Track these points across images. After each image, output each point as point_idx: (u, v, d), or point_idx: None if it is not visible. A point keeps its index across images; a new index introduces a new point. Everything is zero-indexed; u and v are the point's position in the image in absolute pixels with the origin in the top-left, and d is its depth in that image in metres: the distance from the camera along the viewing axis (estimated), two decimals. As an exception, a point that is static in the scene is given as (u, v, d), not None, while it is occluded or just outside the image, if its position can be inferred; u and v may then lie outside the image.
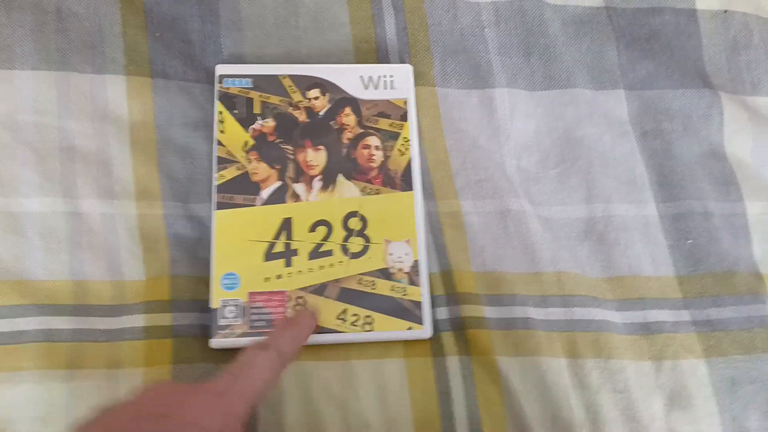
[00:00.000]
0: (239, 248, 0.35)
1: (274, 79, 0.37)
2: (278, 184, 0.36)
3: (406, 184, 0.37)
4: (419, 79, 0.40)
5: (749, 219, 0.40)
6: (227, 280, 0.34)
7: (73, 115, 0.35)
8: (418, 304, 0.35)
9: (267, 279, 0.34)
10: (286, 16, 0.40)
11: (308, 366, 0.34)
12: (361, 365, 0.34)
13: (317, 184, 0.36)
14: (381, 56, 0.40)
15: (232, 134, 0.36)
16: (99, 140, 0.35)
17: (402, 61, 0.40)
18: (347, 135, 0.37)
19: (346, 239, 0.35)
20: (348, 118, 0.37)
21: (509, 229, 0.37)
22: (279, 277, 0.34)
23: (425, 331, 0.34)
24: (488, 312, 0.35)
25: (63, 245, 0.34)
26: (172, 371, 0.33)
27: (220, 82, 0.36)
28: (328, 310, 0.34)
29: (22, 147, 0.34)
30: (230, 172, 0.35)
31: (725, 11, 0.44)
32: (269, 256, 0.35)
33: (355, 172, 0.36)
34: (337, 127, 0.37)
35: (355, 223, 0.36)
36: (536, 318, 0.36)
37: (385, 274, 0.35)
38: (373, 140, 0.37)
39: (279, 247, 0.35)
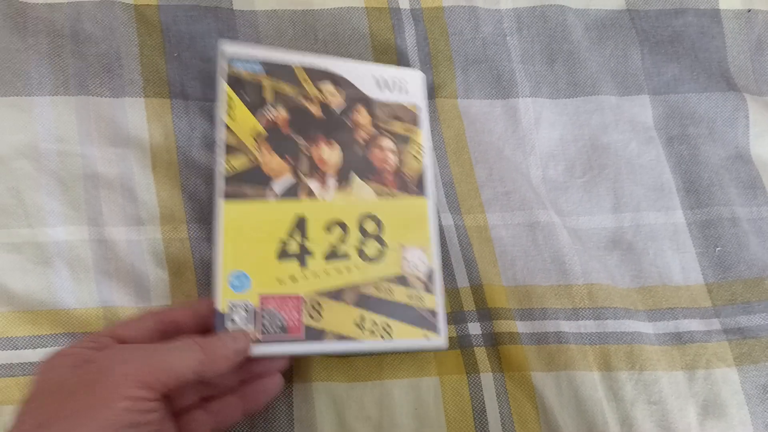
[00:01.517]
0: (250, 245, 0.31)
1: (287, 68, 0.35)
2: (291, 178, 0.33)
3: (420, 191, 0.35)
4: (441, 90, 0.39)
5: (776, 223, 0.40)
6: (236, 280, 0.31)
7: (94, 141, 0.35)
8: (433, 313, 0.34)
9: (280, 280, 0.32)
10: (304, 30, 0.39)
11: (341, 387, 0.34)
12: (395, 385, 0.34)
13: (332, 182, 0.34)
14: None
15: (242, 121, 0.33)
16: (121, 165, 0.35)
17: (424, 73, 0.39)
18: (362, 134, 0.35)
19: (362, 242, 0.34)
20: (362, 117, 0.36)
21: (539, 242, 0.37)
22: (293, 279, 0.32)
23: (441, 339, 0.34)
24: (520, 327, 0.35)
25: (91, 274, 0.33)
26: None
27: (229, 63, 0.33)
28: (347, 316, 0.32)
29: (46, 176, 0.34)
30: (240, 163, 0.32)
31: (749, 10, 0.43)
32: (282, 255, 0.32)
33: (370, 173, 0.35)
34: (351, 125, 0.35)
35: (371, 226, 0.34)
36: (568, 331, 0.35)
37: (401, 280, 0.34)
38: (388, 143, 0.36)
39: (293, 247, 0.32)
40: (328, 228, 0.33)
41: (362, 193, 0.34)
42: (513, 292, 0.36)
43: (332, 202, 0.34)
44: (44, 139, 0.34)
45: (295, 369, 0.34)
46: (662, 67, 0.42)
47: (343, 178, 0.34)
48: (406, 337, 0.33)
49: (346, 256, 0.33)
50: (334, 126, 0.35)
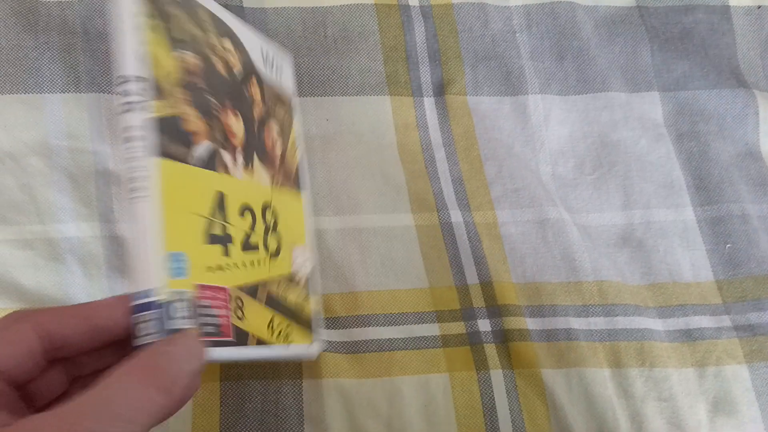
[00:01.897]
0: (184, 220, 0.24)
1: (195, 4, 0.27)
2: (210, 144, 0.26)
3: (297, 185, 0.33)
4: (450, 87, 0.39)
5: (787, 220, 0.40)
6: (175, 263, 0.23)
7: (105, 138, 0.35)
8: (314, 318, 0.32)
9: (210, 268, 0.25)
10: (314, 27, 0.39)
11: (351, 384, 0.34)
12: (404, 382, 0.34)
13: (240, 159, 0.28)
14: (411, 64, 0.39)
15: (162, 57, 0.24)
16: None
17: (433, 70, 0.39)
18: (257, 111, 0.30)
19: (266, 234, 0.29)
20: (255, 91, 0.30)
21: (548, 239, 0.37)
22: (219, 268, 0.25)
23: (316, 347, 0.31)
24: (530, 324, 0.35)
25: (102, 270, 0.34)
26: (220, 390, 0.33)
27: None
28: (262, 317, 0.27)
29: (57, 173, 0.34)
30: (162, 108, 0.24)
31: (759, 7, 0.43)
32: (210, 238, 0.25)
33: (264, 157, 0.30)
34: (248, 97, 0.30)
35: (269, 218, 0.29)
36: (578, 328, 0.35)
37: (292, 280, 0.30)
38: (275, 127, 0.31)
39: (217, 229, 0.26)
40: (242, 213, 0.28)
41: (261, 179, 0.29)
42: (523, 288, 0.36)
43: (244, 183, 0.28)
44: (56, 136, 0.34)
45: (304, 366, 0.34)
46: (672, 63, 0.41)
47: (248, 157, 0.29)
48: (299, 342, 0.30)
49: (255, 247, 0.28)
50: (237, 93, 0.29)
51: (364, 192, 0.37)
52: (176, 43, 0.25)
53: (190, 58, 0.26)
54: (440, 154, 0.38)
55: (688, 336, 0.36)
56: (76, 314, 0.22)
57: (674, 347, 0.36)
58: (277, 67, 0.33)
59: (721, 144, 0.40)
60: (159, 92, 0.24)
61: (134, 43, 0.23)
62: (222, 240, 0.26)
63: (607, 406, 0.34)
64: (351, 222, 0.36)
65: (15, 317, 0.21)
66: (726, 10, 0.42)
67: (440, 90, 0.39)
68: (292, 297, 0.31)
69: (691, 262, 0.38)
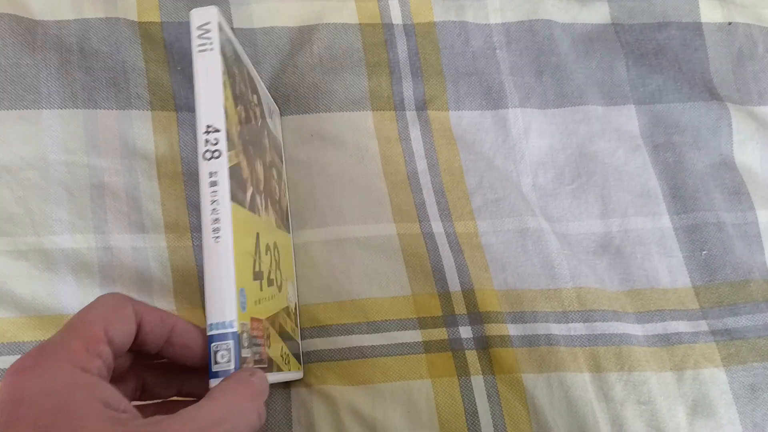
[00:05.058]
0: (242, 258, 0.27)
1: (240, 60, 0.30)
2: (252, 188, 0.29)
3: (287, 226, 0.37)
4: (432, 103, 0.41)
5: (761, 227, 0.41)
6: (242, 298, 0.26)
7: (101, 153, 0.36)
8: (298, 345, 0.35)
9: (255, 302, 0.27)
10: (301, 45, 0.40)
11: (336, 390, 0.34)
12: (387, 389, 0.35)
13: (262, 201, 0.31)
14: (395, 80, 0.41)
15: (230, 110, 0.27)
16: (127, 176, 0.36)
17: (416, 86, 0.41)
18: (267, 157, 0.33)
19: (275, 269, 0.32)
20: (267, 140, 0.34)
21: (528, 247, 0.38)
22: (258, 302, 0.28)
23: (301, 371, 0.35)
24: (512, 330, 0.36)
25: (96, 279, 0.35)
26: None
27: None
28: (277, 346, 0.30)
29: (53, 186, 0.35)
30: (233, 158, 0.27)
31: (729, 23, 0.44)
32: (255, 275, 0.28)
33: (272, 200, 0.33)
34: (264, 144, 0.33)
35: (276, 255, 0.32)
36: (558, 334, 0.36)
37: (287, 311, 0.33)
38: (275, 173, 0.35)
39: (257, 266, 0.29)
40: (266, 251, 0.31)
41: (271, 219, 0.32)
42: (504, 296, 0.37)
43: (267, 222, 0.31)
44: (52, 151, 0.36)
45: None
46: (647, 78, 0.43)
47: (264, 200, 0.32)
48: (294, 369, 0.33)
49: (272, 282, 0.31)
50: (259, 142, 0.32)
51: (347, 204, 0.38)
52: (236, 98, 0.28)
53: (242, 111, 0.29)
54: (422, 166, 0.39)
55: (666, 340, 0.37)
56: (161, 317, 0.25)
57: (653, 351, 0.37)
58: (274, 117, 0.36)
59: (695, 154, 0.42)
60: (230, 143, 0.27)
61: (221, 98, 0.26)
62: (260, 276, 0.29)
63: (588, 409, 0.35)
64: (335, 233, 0.37)
65: (122, 298, 0.23)
66: (698, 26, 0.44)
67: (423, 105, 0.41)
68: (288, 328, 0.33)
69: (669, 269, 0.39)
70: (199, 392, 0.26)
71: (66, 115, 0.36)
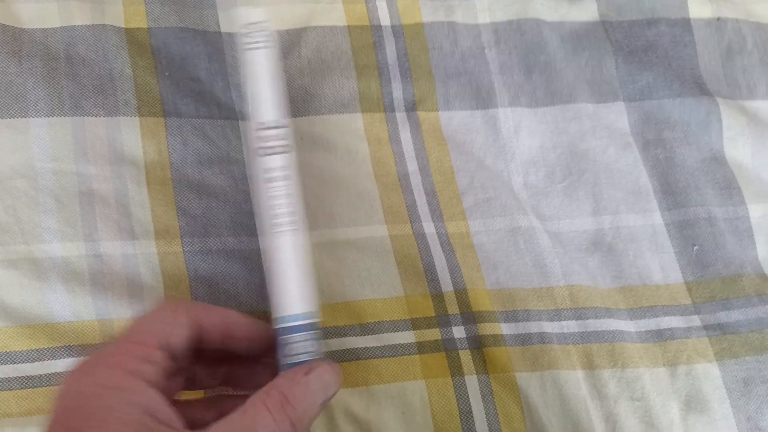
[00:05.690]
0: None
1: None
2: None
3: None
4: (422, 104, 0.41)
5: (752, 222, 0.41)
6: None
7: (89, 160, 0.36)
8: None
9: None
10: (289, 48, 0.40)
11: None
12: (380, 390, 0.35)
13: None
14: (384, 82, 0.41)
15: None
16: (116, 182, 0.36)
17: (405, 87, 0.41)
18: None
19: None
20: None
21: (520, 246, 0.38)
22: None
23: None
24: (504, 329, 0.36)
25: (86, 287, 0.34)
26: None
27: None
28: None
29: (42, 194, 0.35)
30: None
31: (718, 19, 0.45)
32: None
33: None
34: None
35: None
36: (551, 332, 0.36)
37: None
38: None
39: None
40: None
41: None
42: (497, 295, 0.37)
43: None
44: (40, 159, 0.36)
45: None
46: (636, 75, 0.43)
47: None
48: None
49: None
50: None
51: (338, 206, 0.38)
52: None
53: None
54: (413, 167, 0.39)
55: (659, 336, 0.38)
56: (221, 315, 0.26)
57: (645, 347, 0.37)
58: None
59: (686, 150, 0.42)
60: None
61: (276, 93, 0.28)
62: None
63: (581, 407, 0.35)
64: (326, 236, 0.37)
65: (176, 304, 0.25)
66: (687, 22, 0.44)
67: (412, 106, 0.41)
68: None
69: (661, 265, 0.39)
70: (243, 383, 0.28)
71: (54, 122, 0.36)
